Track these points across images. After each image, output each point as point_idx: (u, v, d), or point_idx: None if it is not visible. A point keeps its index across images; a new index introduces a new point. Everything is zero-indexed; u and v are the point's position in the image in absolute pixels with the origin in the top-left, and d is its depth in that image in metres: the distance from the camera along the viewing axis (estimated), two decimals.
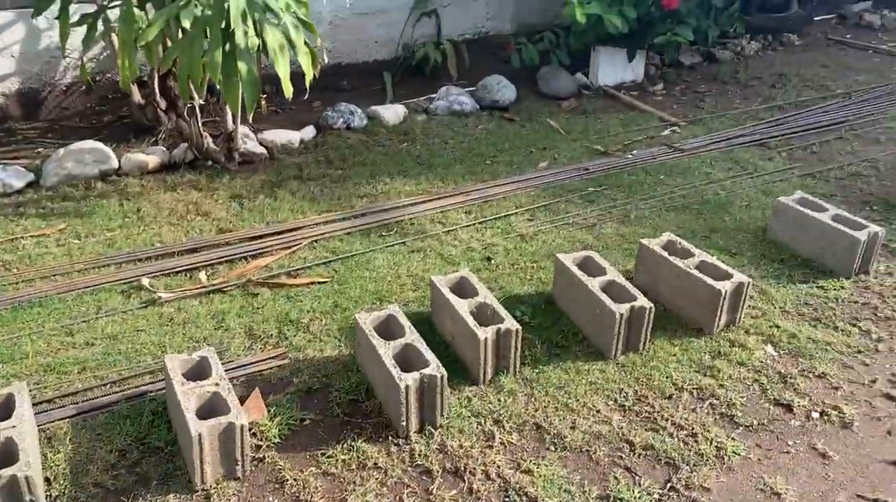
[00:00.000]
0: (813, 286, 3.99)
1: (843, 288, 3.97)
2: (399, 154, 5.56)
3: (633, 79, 7.00)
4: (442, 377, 2.94)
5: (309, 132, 5.79)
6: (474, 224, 4.60)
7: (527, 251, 4.32)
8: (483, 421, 3.06)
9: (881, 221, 4.60)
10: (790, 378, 3.32)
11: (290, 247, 4.29)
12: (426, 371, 2.94)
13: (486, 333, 3.18)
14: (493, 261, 4.21)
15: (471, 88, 6.56)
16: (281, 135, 5.63)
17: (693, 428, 3.03)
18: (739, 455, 2.92)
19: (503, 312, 3.32)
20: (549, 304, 3.81)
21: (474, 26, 7.56)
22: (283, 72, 4.35)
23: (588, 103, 6.57)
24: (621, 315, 3.33)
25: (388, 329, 3.27)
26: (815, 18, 8.62)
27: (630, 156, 5.52)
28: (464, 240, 4.43)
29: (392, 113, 6.07)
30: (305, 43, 4.58)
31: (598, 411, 3.13)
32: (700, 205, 4.83)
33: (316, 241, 4.36)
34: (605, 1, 5.96)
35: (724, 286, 3.51)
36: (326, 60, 4.81)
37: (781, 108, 6.37)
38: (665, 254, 3.77)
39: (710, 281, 3.54)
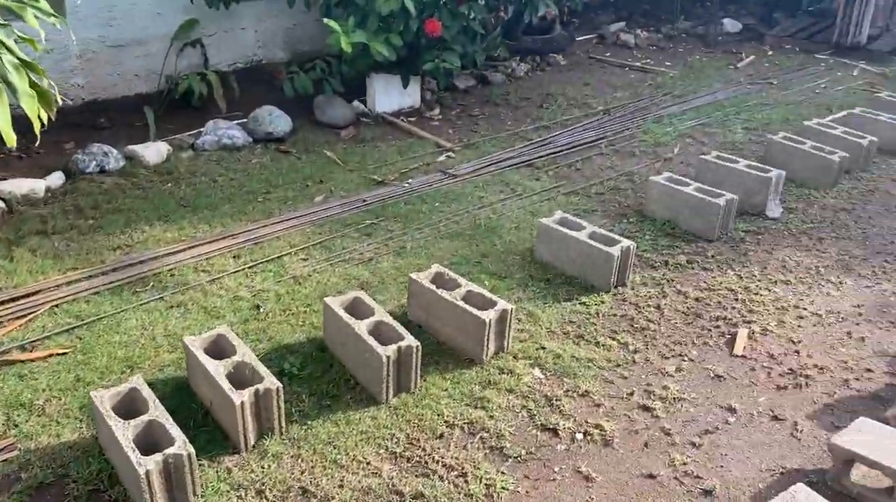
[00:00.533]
0: (576, 303, 4.14)
1: (603, 302, 4.16)
2: (160, 197, 5.15)
3: (411, 104, 7.04)
4: (189, 455, 2.67)
5: (56, 179, 5.22)
6: (243, 269, 4.34)
7: (300, 294, 4.12)
8: (244, 494, 2.82)
9: (636, 233, 4.91)
10: (556, 400, 3.39)
11: (25, 316, 3.78)
12: (170, 450, 2.66)
13: (242, 397, 2.94)
14: (262, 310, 3.97)
15: (242, 120, 6.26)
16: (22, 185, 5.01)
17: (463, 468, 2.99)
18: (508, 490, 2.91)
19: (263, 370, 3.11)
20: (321, 351, 3.64)
21: (245, 55, 7.26)
22: (2, 119, 3.84)
23: (367, 131, 6.51)
24: (388, 357, 3.23)
25: (131, 404, 2.94)
26: (578, 38, 9.22)
27: (407, 184, 5.51)
28: (231, 288, 4.14)
29: (153, 151, 5.62)
30: (33, 84, 4.08)
31: (368, 463, 3.00)
32: (473, 230, 4.89)
33: (57, 306, 3.88)
34: (370, 29, 5.92)
35: (489, 315, 3.53)
36: (61, 102, 4.34)
37: (548, 128, 6.68)
38: (433, 287, 3.74)
39: (475, 311, 3.54)
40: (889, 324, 4.05)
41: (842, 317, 4.09)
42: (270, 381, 3.04)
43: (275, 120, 6.20)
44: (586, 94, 7.58)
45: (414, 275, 3.84)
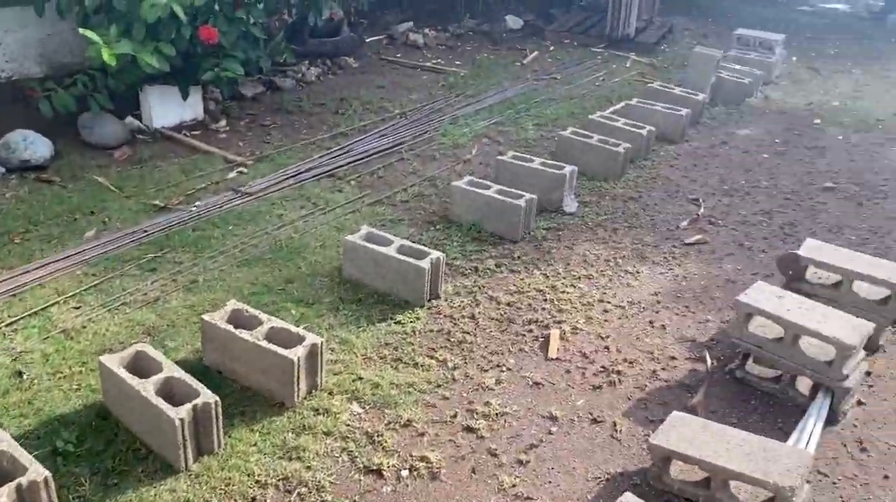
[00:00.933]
0: (391, 323, 3.94)
1: (418, 318, 4.00)
2: None
3: (194, 117, 6.47)
4: None
5: None
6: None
7: (73, 352, 3.55)
8: None
9: (445, 240, 4.81)
10: (378, 436, 3.16)
11: None
12: None
13: None
14: (26, 376, 3.37)
15: None
16: None
17: None
18: None
19: (25, 457, 2.59)
20: (103, 419, 3.14)
21: None
22: None
23: (144, 150, 5.87)
24: (182, 419, 2.83)
25: None
26: (367, 40, 9.03)
27: (195, 207, 5.01)
28: None
29: None
30: None
31: None
32: (274, 253, 4.53)
33: None
34: (136, 39, 5.31)
35: (297, 352, 3.22)
36: None
37: (346, 135, 6.43)
38: (231, 328, 3.36)
39: (280, 350, 3.22)
40: (684, 308, 4.26)
41: (643, 307, 4.25)
42: (36, 471, 2.53)
43: (31, 145, 5.40)
44: (381, 97, 7.41)
45: (207, 317, 3.43)
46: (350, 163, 5.87)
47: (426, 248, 4.17)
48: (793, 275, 4.06)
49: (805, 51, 10.39)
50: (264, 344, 3.26)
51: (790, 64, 9.58)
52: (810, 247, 4.09)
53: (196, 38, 5.55)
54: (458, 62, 8.81)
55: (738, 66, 8.25)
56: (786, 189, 5.86)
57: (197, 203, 5.07)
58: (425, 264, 4.01)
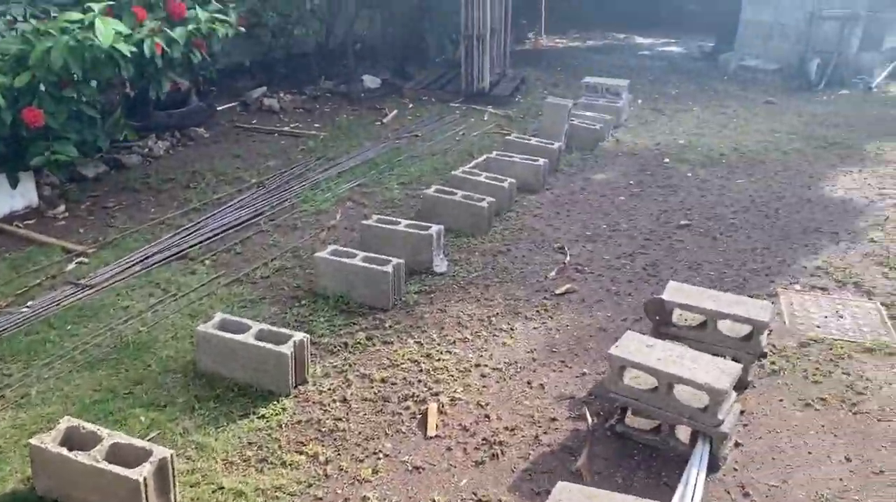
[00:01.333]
0: (254, 418, 3.62)
1: (284, 409, 3.70)
2: None
3: (27, 205, 5.91)
4: None
5: None
6: None
7: None
8: None
9: (310, 316, 4.55)
10: None
11: None
12: None
13: None
14: None
15: None
16: None
17: None
18: None
19: None
20: None
21: None
22: None
23: None
24: None
25: None
26: (219, 108, 8.71)
27: (27, 308, 4.50)
28: None
29: None
30: None
31: None
32: (119, 351, 4.11)
33: None
34: None
35: (143, 471, 2.85)
36: None
37: (199, 210, 6.07)
38: (64, 451, 2.95)
39: (123, 471, 2.84)
40: (561, 363, 4.20)
41: (520, 367, 4.14)
42: None
43: None
44: (237, 166, 7.10)
45: (36, 441, 3.00)
46: (204, 240, 5.52)
47: (288, 331, 3.90)
48: (660, 320, 4.09)
49: (649, 93, 10.98)
50: (103, 465, 2.87)
51: (636, 107, 10.08)
52: (673, 290, 4.14)
53: (20, 122, 5.07)
54: (316, 125, 8.65)
55: (588, 113, 8.56)
56: (644, 229, 6.02)
57: (29, 303, 4.56)
58: (287, 349, 3.73)
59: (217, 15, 6.01)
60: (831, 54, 11.70)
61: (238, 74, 9.53)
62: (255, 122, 8.62)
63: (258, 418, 3.62)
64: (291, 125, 8.55)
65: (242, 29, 6.65)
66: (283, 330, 3.92)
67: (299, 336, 3.85)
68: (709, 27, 15.22)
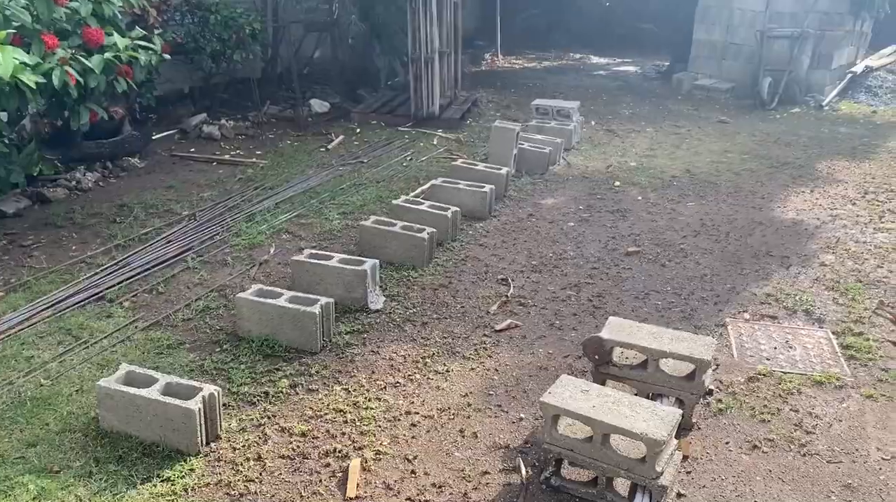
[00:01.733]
0: (157, 482, 3.30)
1: (192, 470, 3.38)
2: None
3: None
4: None
5: None
6: None
7: None
8: None
9: (231, 362, 4.24)
10: None
11: None
12: None
13: None
14: None
15: None
16: None
17: None
18: None
19: None
20: None
21: None
22: None
23: None
24: None
25: None
26: (156, 136, 8.37)
27: None
28: None
29: None
30: None
31: None
32: (14, 410, 3.76)
33: None
34: None
35: None
36: None
37: (124, 247, 5.73)
38: None
39: None
40: (497, 407, 3.94)
41: (453, 414, 3.87)
42: None
43: None
44: (169, 198, 6.77)
45: None
46: (125, 280, 5.18)
47: (197, 383, 3.59)
48: (599, 359, 3.86)
49: (603, 114, 10.89)
50: None
51: (590, 128, 9.96)
52: (613, 328, 3.91)
53: None
54: (258, 152, 8.35)
55: (539, 136, 8.39)
56: (592, 258, 5.82)
57: None
58: (194, 404, 3.43)
59: (140, 42, 5.71)
60: (783, 73, 11.74)
61: (178, 101, 9.21)
62: (193, 150, 8.29)
63: (161, 482, 3.30)
64: (232, 153, 8.24)
65: (167, 56, 6.35)
66: (192, 382, 3.61)
67: (209, 389, 3.55)
68: (664, 47, 15.29)
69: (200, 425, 3.47)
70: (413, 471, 3.43)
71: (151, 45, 5.85)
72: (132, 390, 3.52)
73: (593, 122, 10.28)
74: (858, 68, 12.64)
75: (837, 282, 5.46)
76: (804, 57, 11.86)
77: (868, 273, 5.63)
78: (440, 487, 3.34)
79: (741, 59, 12.46)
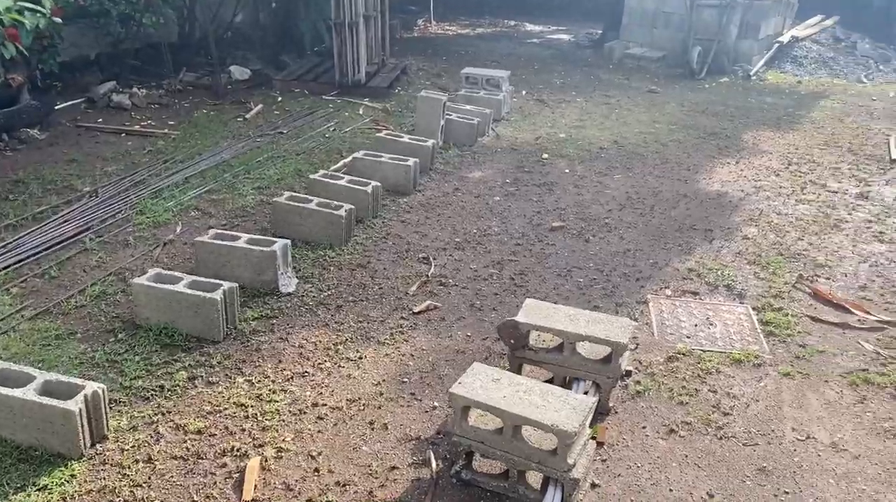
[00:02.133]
0: (32, 491, 3.01)
1: (73, 476, 3.10)
2: None
3: None
4: None
5: None
6: None
7: None
8: None
9: (125, 353, 3.94)
10: None
11: None
12: None
13: None
14: None
15: None
16: None
17: None
18: None
19: None
20: None
21: None
22: None
23: None
24: None
25: None
26: (59, 106, 7.81)
27: None
28: None
29: None
30: None
31: None
32: None
33: None
34: None
35: None
36: None
37: (16, 227, 5.29)
38: None
39: None
40: (410, 396, 3.76)
41: (363, 404, 3.67)
42: None
43: None
44: (70, 173, 6.31)
45: None
46: (14, 264, 4.78)
47: (80, 381, 3.29)
48: (515, 344, 3.71)
49: (534, 83, 10.72)
50: None
51: (521, 98, 9.77)
52: (529, 310, 3.76)
53: None
54: (171, 122, 7.89)
55: (468, 106, 8.16)
56: (516, 233, 5.66)
57: None
58: (74, 405, 3.14)
59: (25, 3, 5.22)
60: (712, 42, 11.76)
61: (85, 68, 8.62)
62: (100, 120, 7.77)
63: (37, 491, 3.02)
64: (142, 123, 7.76)
65: (59, 20, 5.85)
66: (74, 379, 3.31)
67: (93, 386, 3.25)
68: (598, 14, 15.17)
69: (82, 426, 3.18)
70: (316, 469, 3.23)
71: (39, 8, 5.36)
72: (5, 390, 3.20)
73: (524, 92, 10.10)
74: (785, 38, 12.78)
75: (759, 255, 5.45)
76: (732, 26, 11.90)
77: (789, 246, 5.63)
78: (344, 486, 3.14)
79: (672, 28, 12.43)
